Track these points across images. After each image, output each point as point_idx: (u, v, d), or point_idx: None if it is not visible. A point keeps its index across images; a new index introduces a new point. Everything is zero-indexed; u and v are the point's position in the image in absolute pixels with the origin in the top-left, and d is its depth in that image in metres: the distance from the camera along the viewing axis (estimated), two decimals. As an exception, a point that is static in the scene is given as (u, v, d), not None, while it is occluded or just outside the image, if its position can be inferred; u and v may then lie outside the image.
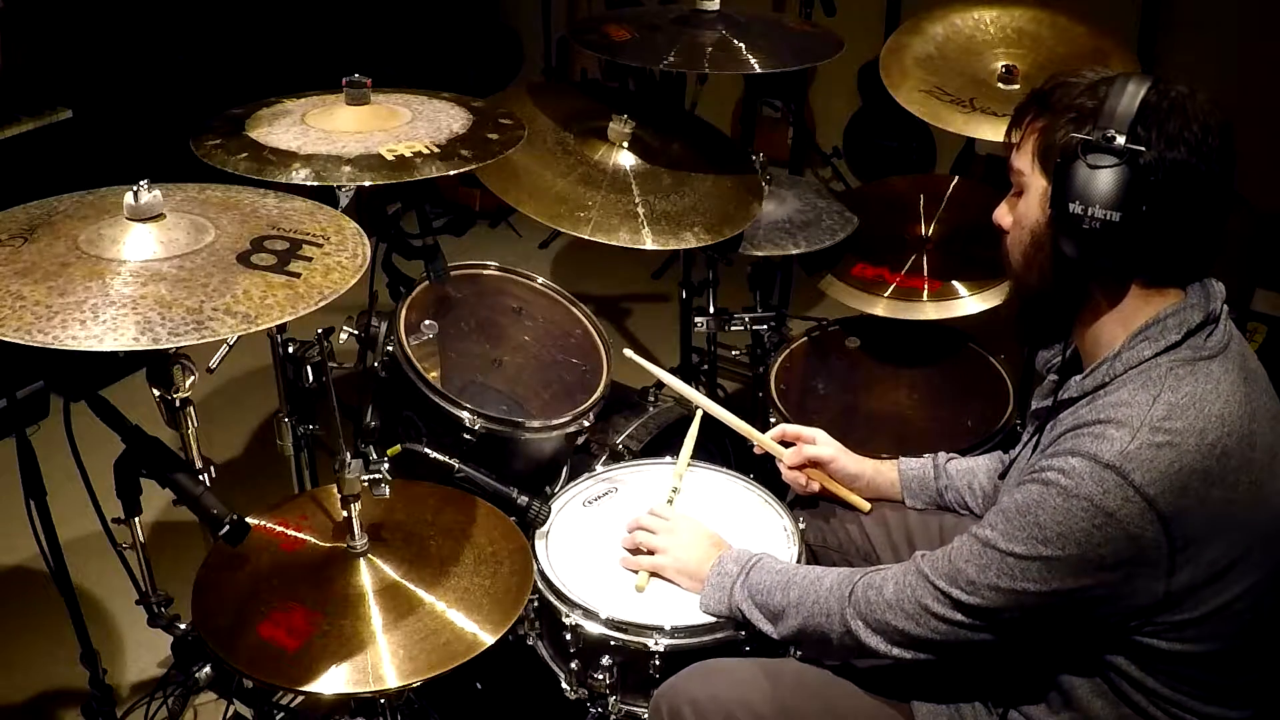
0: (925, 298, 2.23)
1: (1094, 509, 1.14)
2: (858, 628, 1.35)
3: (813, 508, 1.77)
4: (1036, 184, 1.27)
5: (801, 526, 1.71)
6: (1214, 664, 1.23)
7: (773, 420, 2.18)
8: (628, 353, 1.86)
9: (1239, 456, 1.16)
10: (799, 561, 1.62)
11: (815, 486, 1.75)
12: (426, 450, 1.72)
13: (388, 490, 1.50)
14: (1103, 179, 1.16)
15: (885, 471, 1.73)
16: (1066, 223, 1.19)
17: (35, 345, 1.12)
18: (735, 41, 2.17)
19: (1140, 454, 1.14)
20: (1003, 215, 1.36)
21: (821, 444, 1.74)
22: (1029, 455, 1.35)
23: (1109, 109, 1.18)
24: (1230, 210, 1.22)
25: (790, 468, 1.75)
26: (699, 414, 1.83)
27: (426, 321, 1.99)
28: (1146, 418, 1.15)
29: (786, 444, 1.77)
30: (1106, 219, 1.16)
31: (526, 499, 1.68)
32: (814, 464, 1.74)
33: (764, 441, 1.77)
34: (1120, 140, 1.16)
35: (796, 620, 1.42)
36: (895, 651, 1.33)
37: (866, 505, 1.73)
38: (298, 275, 1.28)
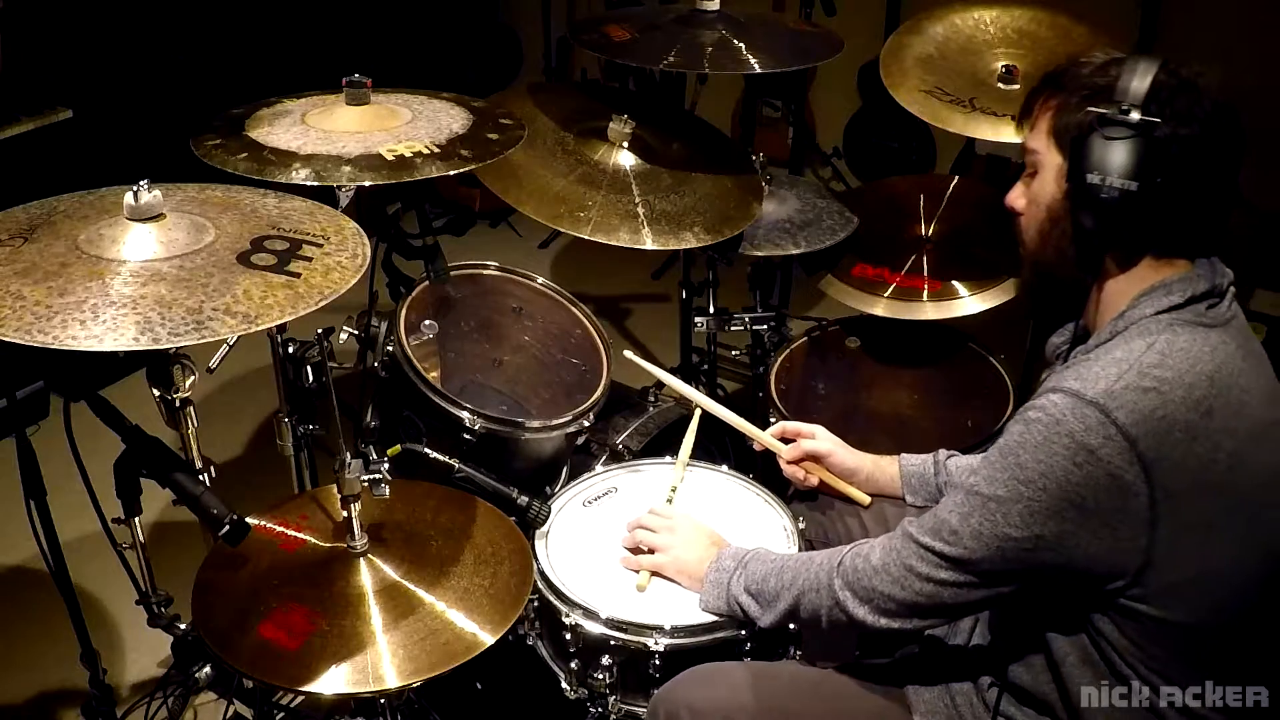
0: (925, 298, 2.23)
1: (1075, 445, 1.14)
2: (845, 598, 1.35)
3: (812, 500, 1.78)
4: (1052, 161, 1.28)
5: (801, 526, 1.71)
6: (1200, 639, 1.23)
7: (772, 420, 2.18)
8: (628, 354, 1.86)
9: (1223, 420, 1.17)
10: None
11: (814, 481, 1.75)
12: (426, 450, 1.72)
13: (387, 490, 1.50)
14: (1119, 150, 1.18)
15: (886, 467, 1.73)
16: (1084, 194, 1.21)
17: (35, 345, 1.12)
18: (735, 41, 2.17)
19: (1125, 395, 1.14)
20: (1016, 197, 1.36)
21: (820, 439, 1.74)
22: None
23: (1123, 86, 1.20)
24: (1238, 190, 1.23)
25: (789, 463, 1.75)
26: (697, 413, 1.84)
27: (426, 321, 1.99)
28: (1136, 362, 1.17)
29: (786, 440, 1.77)
30: (1124, 189, 1.18)
31: (526, 499, 1.68)
32: (813, 458, 1.74)
33: (763, 438, 1.77)
34: (1135, 114, 1.18)
35: (789, 601, 1.42)
36: (883, 621, 1.32)
37: (866, 499, 1.73)
38: (298, 275, 1.28)
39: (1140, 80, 1.19)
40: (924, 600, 1.29)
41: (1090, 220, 1.22)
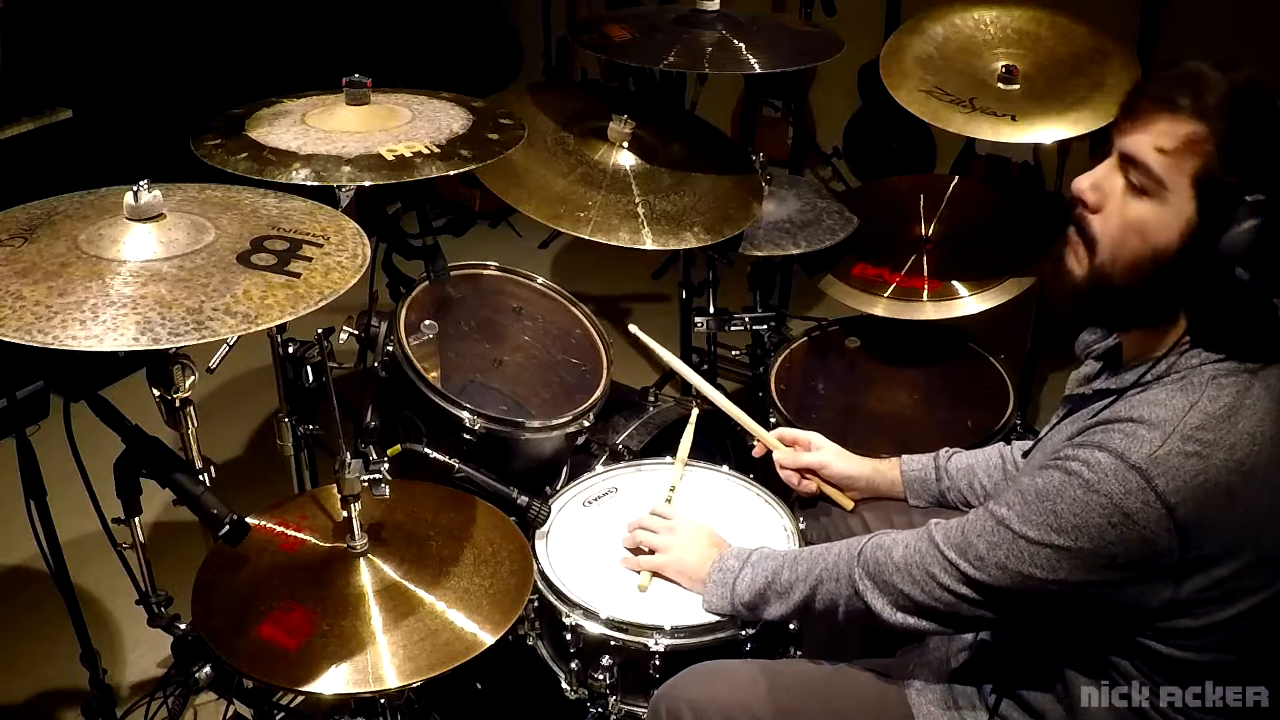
0: (925, 298, 2.24)
1: (1113, 507, 1.14)
2: (865, 588, 1.35)
3: (810, 508, 1.78)
4: (1182, 208, 1.17)
5: (802, 526, 1.71)
6: (1216, 675, 1.23)
7: (773, 420, 2.18)
8: (633, 329, 1.84)
9: (1264, 476, 1.15)
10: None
11: (812, 486, 1.76)
12: (426, 450, 1.72)
13: (387, 490, 1.50)
14: (1269, 247, 1.12)
15: (886, 472, 1.73)
16: (1214, 273, 1.15)
17: (35, 345, 1.12)
18: (735, 41, 2.17)
19: (1168, 460, 1.12)
20: (1092, 191, 1.24)
21: (815, 450, 1.75)
22: (1057, 439, 1.32)
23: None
24: None
25: (785, 469, 1.76)
26: (695, 413, 1.84)
27: (426, 321, 1.99)
28: (1180, 424, 1.14)
29: (785, 444, 1.78)
30: (1261, 287, 1.14)
31: (526, 499, 1.68)
32: (809, 470, 1.75)
33: (765, 437, 1.78)
34: None
35: (803, 592, 1.42)
36: (899, 617, 1.33)
37: (849, 504, 1.74)
38: (298, 275, 1.28)
39: None
40: (941, 607, 1.29)
41: (1205, 291, 1.16)
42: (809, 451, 1.76)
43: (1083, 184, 1.25)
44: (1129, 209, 1.20)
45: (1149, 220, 1.19)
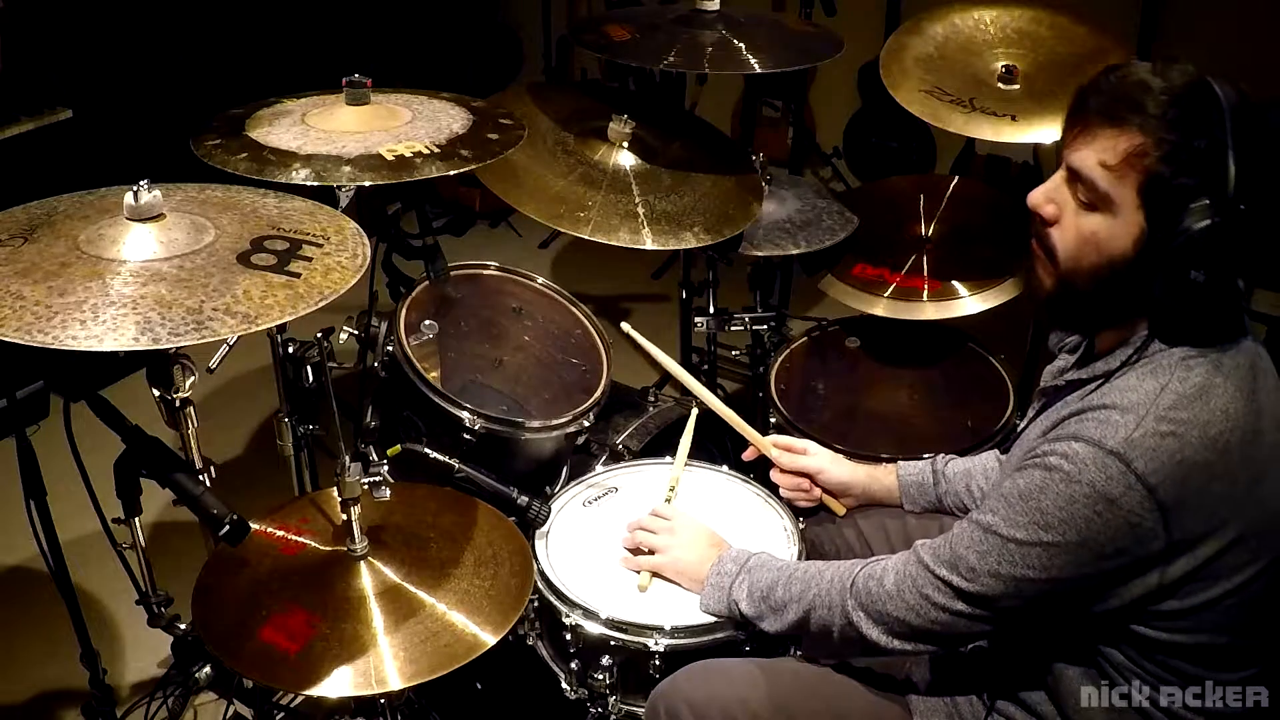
0: (925, 298, 2.23)
1: (1096, 495, 1.14)
2: (859, 619, 1.35)
3: (810, 516, 1.78)
4: (1132, 217, 1.18)
5: (801, 526, 1.71)
6: (1206, 657, 1.23)
7: (773, 420, 2.18)
8: (625, 326, 1.85)
9: (1241, 452, 1.16)
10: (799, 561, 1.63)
11: (817, 493, 1.75)
12: (426, 450, 1.72)
13: (388, 492, 1.49)
14: (1218, 244, 1.13)
15: (881, 478, 1.73)
16: (1171, 276, 1.16)
17: (35, 345, 1.12)
18: (735, 41, 2.17)
19: (1144, 442, 1.13)
20: (1047, 205, 1.26)
21: (811, 455, 1.75)
22: (1033, 434, 1.33)
23: (1235, 166, 1.12)
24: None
25: (781, 473, 1.76)
26: (694, 413, 1.84)
27: (426, 321, 1.99)
28: (1153, 406, 1.15)
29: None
30: (1216, 283, 1.15)
31: (526, 499, 1.68)
32: (804, 475, 1.75)
33: (759, 441, 1.78)
34: (1238, 203, 1.12)
35: (797, 613, 1.42)
36: (896, 644, 1.33)
37: (842, 509, 1.74)
38: (298, 275, 1.28)
39: (1241, 153, 1.12)
40: (938, 628, 1.29)
41: (1161, 292, 1.17)
42: (804, 456, 1.75)
43: (1037, 198, 1.26)
44: (1082, 223, 1.22)
45: (1101, 233, 1.21)
